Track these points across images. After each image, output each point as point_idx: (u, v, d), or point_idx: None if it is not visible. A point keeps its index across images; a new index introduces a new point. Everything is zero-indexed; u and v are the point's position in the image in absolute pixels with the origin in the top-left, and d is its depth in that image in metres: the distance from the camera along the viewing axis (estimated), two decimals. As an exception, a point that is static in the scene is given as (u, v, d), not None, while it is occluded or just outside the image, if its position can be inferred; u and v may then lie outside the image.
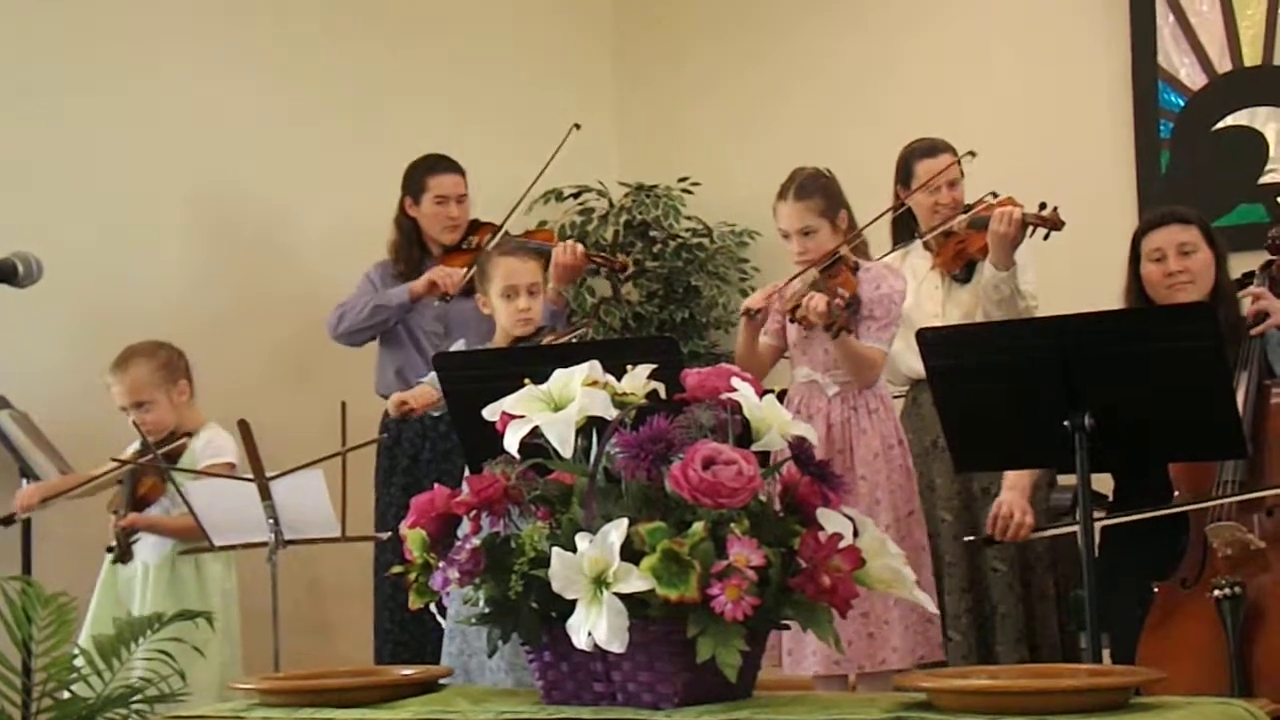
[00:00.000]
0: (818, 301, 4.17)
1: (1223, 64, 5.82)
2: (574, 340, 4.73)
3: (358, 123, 6.09)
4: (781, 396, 3.37)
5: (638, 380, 2.56)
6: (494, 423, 2.55)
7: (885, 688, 4.01)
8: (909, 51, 6.35)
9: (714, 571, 2.34)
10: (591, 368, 2.55)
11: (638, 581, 2.33)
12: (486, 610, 2.52)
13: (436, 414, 4.36)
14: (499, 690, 3.04)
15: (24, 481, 4.97)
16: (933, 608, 2.74)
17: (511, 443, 2.51)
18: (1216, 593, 3.73)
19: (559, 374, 2.55)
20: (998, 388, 3.52)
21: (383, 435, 4.97)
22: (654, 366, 2.59)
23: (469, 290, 4.85)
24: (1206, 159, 5.81)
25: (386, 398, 4.88)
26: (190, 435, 4.85)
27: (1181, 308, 3.96)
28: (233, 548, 4.54)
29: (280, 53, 5.96)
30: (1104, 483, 4.15)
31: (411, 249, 5.32)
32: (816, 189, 4.36)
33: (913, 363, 4.57)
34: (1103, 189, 5.88)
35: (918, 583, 2.58)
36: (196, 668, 4.31)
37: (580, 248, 5.03)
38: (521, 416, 2.51)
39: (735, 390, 2.52)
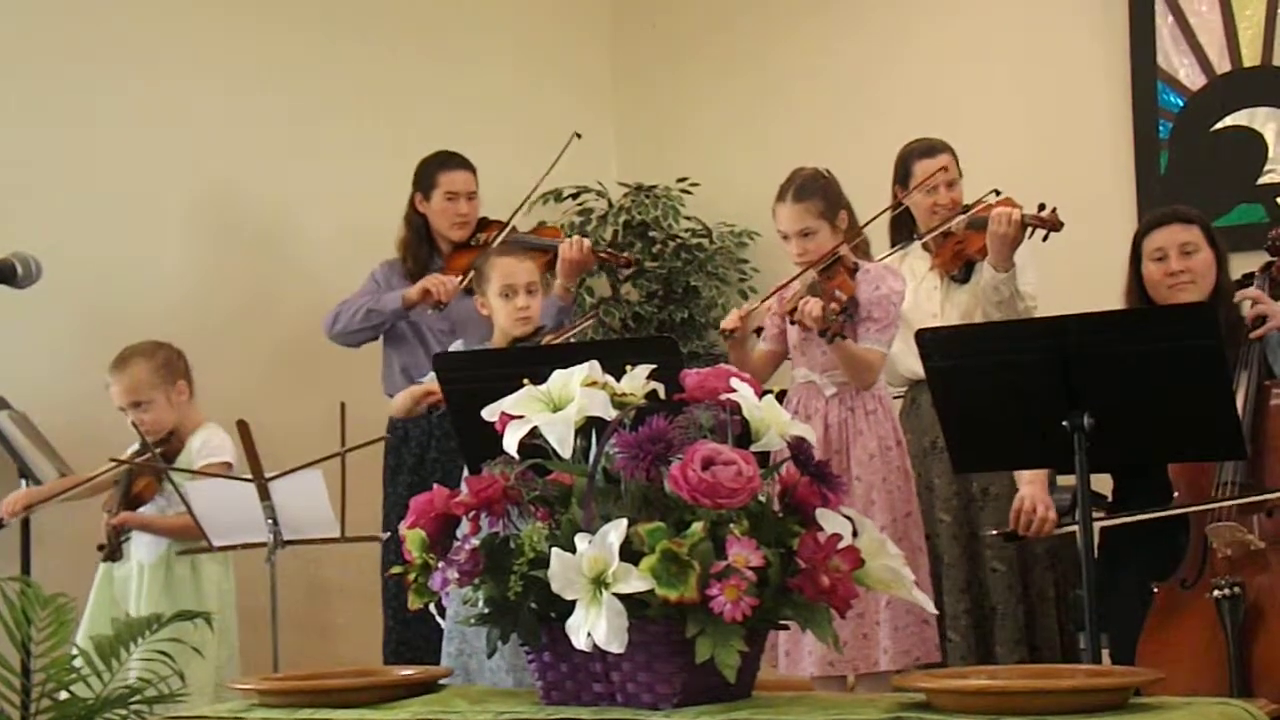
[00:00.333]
0: (813, 306, 4.16)
1: (1222, 64, 5.82)
2: (586, 328, 4.75)
3: (358, 124, 6.09)
4: (781, 397, 3.37)
5: (637, 381, 2.56)
6: (493, 423, 2.55)
7: (884, 688, 4.01)
8: (908, 52, 6.35)
9: (713, 572, 2.34)
10: (591, 368, 2.55)
11: (637, 582, 2.33)
12: (486, 611, 2.52)
13: (442, 413, 4.36)
14: (498, 691, 3.04)
15: (23, 482, 4.96)
16: (931, 608, 2.74)
17: (510, 443, 2.51)
18: (1216, 593, 3.73)
19: (558, 374, 2.55)
20: (997, 388, 3.52)
21: (384, 436, 4.96)
22: (653, 367, 2.59)
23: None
24: (1205, 159, 5.81)
25: (393, 397, 4.89)
26: (189, 436, 4.84)
27: (1181, 308, 3.96)
28: (232, 548, 4.54)
29: (280, 54, 5.95)
30: (1103, 483, 4.15)
31: (421, 246, 5.30)
32: (816, 190, 4.35)
33: (911, 363, 4.57)
34: (1102, 189, 5.88)
35: (915, 583, 2.58)
36: (193, 668, 4.31)
37: (587, 243, 5.03)
38: (520, 417, 2.51)
39: (734, 391, 2.52)
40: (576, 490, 2.49)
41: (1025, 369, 3.45)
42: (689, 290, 6.43)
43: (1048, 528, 4.09)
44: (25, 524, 4.93)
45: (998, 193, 4.75)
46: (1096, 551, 3.66)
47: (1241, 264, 4.33)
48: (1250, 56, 5.77)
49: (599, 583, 2.35)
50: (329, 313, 5.29)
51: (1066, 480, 4.47)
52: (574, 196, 6.49)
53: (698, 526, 2.37)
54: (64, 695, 3.94)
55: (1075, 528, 3.89)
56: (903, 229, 5.00)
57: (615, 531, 2.36)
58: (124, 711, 3.89)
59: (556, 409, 2.50)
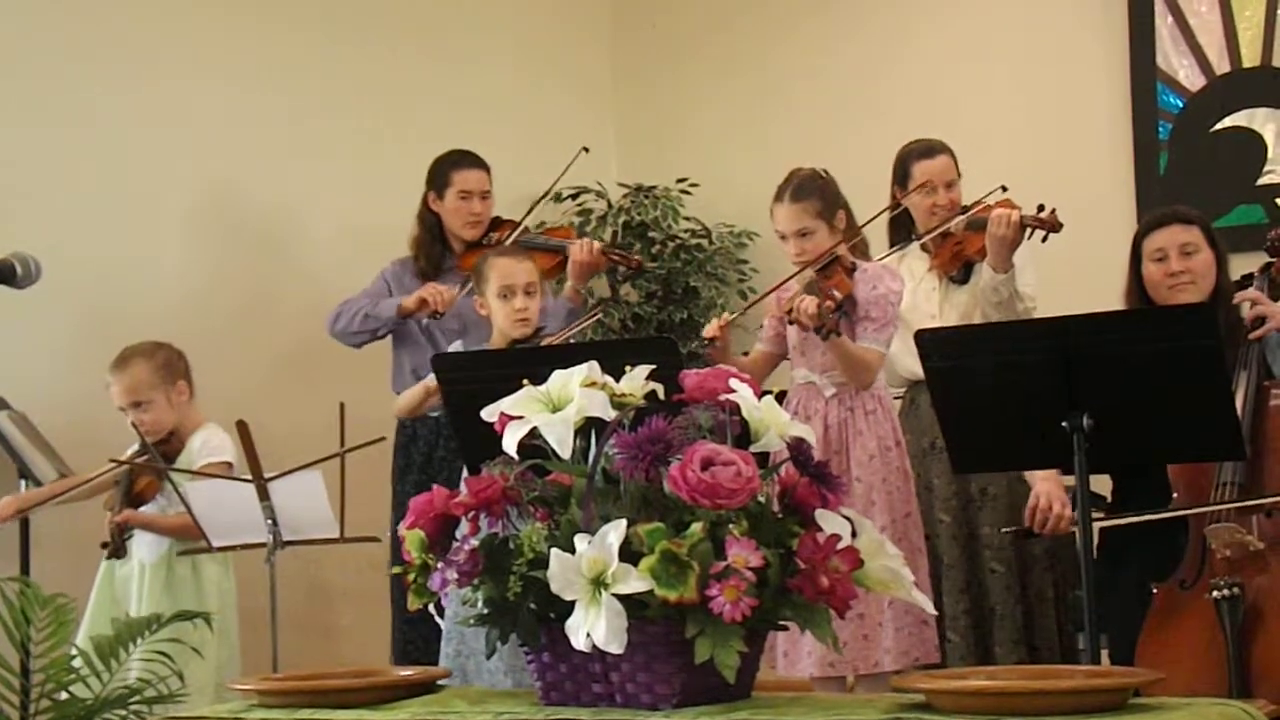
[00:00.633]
0: (808, 303, 4.16)
1: (1221, 65, 5.82)
2: (589, 324, 4.75)
3: (358, 124, 6.09)
4: (781, 398, 3.37)
5: (636, 381, 2.56)
6: (492, 424, 2.55)
7: (883, 689, 4.01)
8: (908, 53, 6.35)
9: (712, 572, 2.34)
10: (590, 369, 2.56)
11: (636, 582, 2.33)
12: (485, 611, 2.52)
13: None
14: (497, 691, 3.04)
15: (22, 483, 4.96)
16: (931, 609, 2.74)
17: (510, 444, 2.51)
18: (1215, 594, 3.73)
19: (557, 375, 2.55)
20: (996, 389, 3.52)
21: (382, 437, 4.95)
22: (652, 367, 2.59)
23: None
24: (1205, 160, 5.81)
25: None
26: (189, 436, 4.85)
27: (1181, 308, 3.96)
28: (231, 549, 4.54)
29: (279, 55, 5.95)
30: (1102, 483, 4.15)
31: (434, 244, 5.27)
32: (813, 190, 4.35)
33: (910, 364, 4.57)
34: (1101, 190, 5.88)
35: (915, 584, 2.58)
36: (194, 668, 4.31)
37: (598, 246, 5.02)
38: (520, 417, 2.51)
39: (734, 391, 2.53)
40: (576, 491, 2.49)
41: (1025, 369, 3.45)
42: (688, 291, 6.42)
43: (1064, 525, 4.03)
44: (25, 524, 4.93)
45: (1005, 189, 4.74)
46: (1096, 552, 3.66)
47: (1241, 265, 4.33)
48: (1250, 57, 5.77)
49: (598, 583, 2.35)
50: (332, 310, 5.28)
51: (1066, 481, 4.48)
52: (573, 197, 6.49)
53: (697, 527, 2.37)
54: (63, 695, 3.94)
55: (1105, 523, 3.90)
56: (901, 230, 5.00)
57: (614, 532, 2.36)
58: (123, 712, 3.88)
59: (556, 409, 2.50)
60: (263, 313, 5.83)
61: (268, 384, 5.68)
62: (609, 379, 2.56)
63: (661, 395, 2.56)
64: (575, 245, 4.99)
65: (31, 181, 5.33)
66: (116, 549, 4.69)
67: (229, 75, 5.80)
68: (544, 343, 4.50)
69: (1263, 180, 5.73)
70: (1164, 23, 5.88)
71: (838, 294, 4.21)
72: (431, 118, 6.23)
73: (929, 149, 4.92)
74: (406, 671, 2.85)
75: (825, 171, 4.44)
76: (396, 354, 5.27)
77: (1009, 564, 4.71)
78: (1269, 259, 4.22)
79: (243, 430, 4.39)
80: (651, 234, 6.47)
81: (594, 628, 2.34)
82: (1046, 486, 4.05)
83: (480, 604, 2.52)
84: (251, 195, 5.89)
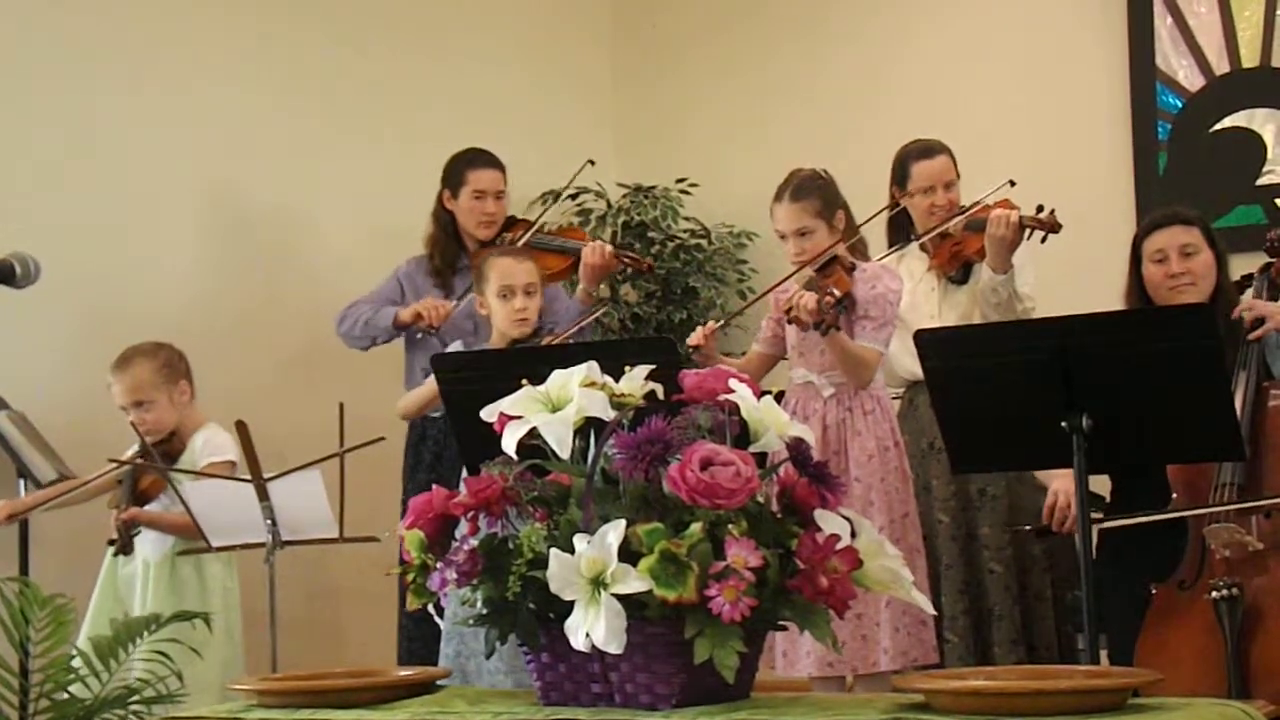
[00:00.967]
0: (807, 299, 4.17)
1: (1221, 65, 5.82)
2: (593, 320, 4.74)
3: (360, 127, 6.08)
4: (779, 398, 3.37)
5: (635, 381, 2.56)
6: (492, 424, 2.55)
7: (882, 689, 4.01)
8: (908, 53, 6.35)
9: (712, 572, 2.34)
10: (589, 369, 2.56)
11: (635, 582, 2.33)
12: (484, 611, 2.52)
13: None
14: (497, 691, 3.04)
15: (21, 482, 4.96)
16: (930, 609, 2.74)
17: (509, 444, 2.51)
18: (1214, 594, 3.73)
19: (557, 375, 2.55)
20: (995, 389, 3.52)
21: (381, 437, 4.95)
22: (652, 367, 2.59)
23: None
24: (1204, 160, 5.81)
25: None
26: (191, 435, 4.85)
27: (1180, 309, 3.96)
28: (231, 548, 4.54)
29: (284, 56, 5.95)
30: (1101, 484, 4.15)
31: (448, 243, 5.25)
32: (813, 190, 4.36)
33: (909, 364, 4.57)
34: (1100, 191, 5.88)
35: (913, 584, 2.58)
36: (197, 667, 4.31)
37: (609, 248, 4.99)
38: (519, 417, 2.51)
39: (733, 391, 2.53)
40: (575, 491, 2.49)
41: (1024, 370, 3.45)
42: (687, 291, 6.43)
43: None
44: (24, 524, 4.93)
45: (1012, 183, 4.73)
46: (1095, 552, 3.66)
47: (1240, 265, 4.33)
48: (1249, 58, 5.78)
49: (597, 583, 2.35)
50: (340, 311, 5.28)
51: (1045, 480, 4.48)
52: (573, 197, 6.49)
53: (696, 527, 2.37)
54: (63, 695, 3.94)
55: (1105, 525, 3.89)
56: (900, 230, 5.00)
57: (614, 532, 2.36)
58: (122, 712, 3.88)
59: (555, 409, 2.50)
60: (264, 313, 5.83)
61: (270, 385, 5.67)
62: (608, 379, 2.56)
63: (661, 395, 2.56)
64: (587, 248, 4.97)
65: (31, 182, 5.32)
66: (124, 546, 4.68)
67: (231, 76, 5.80)
68: (547, 342, 4.50)
69: (1262, 180, 5.73)
70: (1163, 23, 5.88)
71: (836, 292, 4.21)
72: (432, 118, 6.23)
73: (928, 149, 4.92)
74: (406, 672, 2.85)
75: (825, 171, 4.44)
76: (409, 355, 5.25)
77: (1008, 564, 4.71)
78: (1268, 259, 4.23)
79: (242, 430, 4.40)
80: (651, 234, 6.47)
81: (593, 628, 2.34)
82: (1064, 484, 4.01)
83: (479, 604, 2.52)
84: (253, 196, 5.89)
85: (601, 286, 6.22)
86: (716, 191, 6.54)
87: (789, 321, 4.29)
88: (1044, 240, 4.63)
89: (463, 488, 2.55)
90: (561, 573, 2.37)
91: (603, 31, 7.02)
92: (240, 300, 5.78)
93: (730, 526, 2.38)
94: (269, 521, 4.33)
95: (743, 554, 2.35)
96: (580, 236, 5.31)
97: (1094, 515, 3.88)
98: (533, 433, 2.50)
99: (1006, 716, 2.25)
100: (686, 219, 6.57)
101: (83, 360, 5.15)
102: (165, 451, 4.75)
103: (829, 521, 2.47)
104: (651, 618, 2.37)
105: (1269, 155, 5.73)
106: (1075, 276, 5.01)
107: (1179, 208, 4.32)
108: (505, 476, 2.51)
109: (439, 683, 2.81)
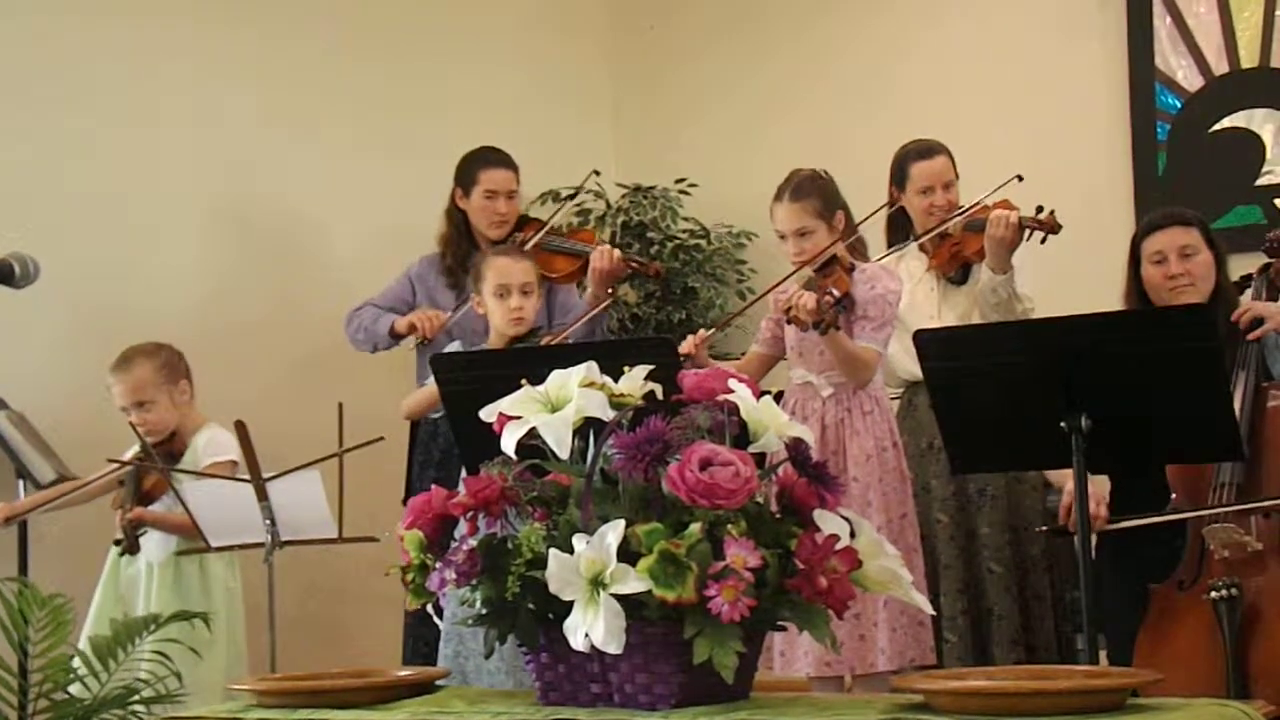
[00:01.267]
0: (807, 299, 4.17)
1: (1220, 66, 5.82)
2: (597, 314, 4.73)
3: (360, 130, 6.08)
4: (778, 399, 3.37)
5: (635, 381, 2.56)
6: (491, 424, 2.55)
7: (881, 689, 4.01)
8: (907, 54, 6.35)
9: (711, 573, 2.34)
10: (588, 369, 2.56)
11: (635, 583, 2.33)
12: (483, 611, 2.52)
13: None
14: (496, 691, 3.04)
15: (20, 482, 4.96)
16: (929, 610, 2.74)
17: (508, 444, 2.51)
18: (1213, 594, 3.73)
19: (556, 375, 2.55)
20: (995, 389, 3.52)
21: (380, 437, 4.94)
22: (651, 368, 2.59)
23: None
24: (1203, 161, 5.81)
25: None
26: (191, 435, 4.85)
27: (1180, 309, 3.97)
28: (230, 548, 4.54)
29: (285, 60, 5.94)
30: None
31: (461, 241, 5.23)
32: (813, 190, 4.36)
33: (908, 365, 4.57)
34: (1099, 191, 5.88)
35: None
36: (200, 668, 4.31)
37: (617, 253, 4.97)
38: (519, 417, 2.51)
39: (732, 392, 2.53)
40: (574, 491, 2.49)
41: (1023, 370, 3.46)
42: (687, 291, 6.43)
43: (1098, 523, 3.96)
44: (23, 524, 4.93)
45: (1021, 178, 4.73)
46: (1094, 552, 3.66)
47: (1239, 265, 4.33)
48: (1248, 58, 5.78)
49: (597, 583, 2.35)
50: (348, 311, 5.28)
51: (1057, 480, 4.48)
52: (571, 197, 6.48)
53: (695, 527, 2.37)
54: (62, 695, 3.94)
55: (1132, 522, 3.89)
56: (899, 230, 5.00)
57: (613, 532, 2.36)
58: (121, 712, 3.88)
59: (554, 410, 2.50)
60: (264, 312, 5.82)
61: (270, 385, 5.67)
62: (607, 379, 2.56)
63: (660, 395, 2.56)
64: (595, 252, 4.94)
65: (31, 182, 5.32)
66: (131, 546, 4.68)
67: (232, 79, 5.79)
68: (546, 342, 4.50)
69: (1261, 181, 5.73)
70: (1162, 23, 5.88)
71: (836, 292, 4.21)
72: (432, 119, 6.23)
73: (927, 149, 4.92)
74: (404, 672, 2.85)
75: (825, 172, 4.44)
76: (419, 355, 5.24)
77: (1007, 564, 4.71)
78: (1267, 260, 4.23)
79: (241, 430, 4.39)
80: (650, 234, 6.47)
81: (592, 628, 2.34)
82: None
83: (478, 604, 2.52)
84: (254, 197, 5.89)
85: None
86: (716, 192, 6.54)
87: (788, 321, 4.29)
88: (1044, 241, 4.63)
89: (462, 488, 2.55)
90: (560, 573, 2.37)
91: (602, 33, 7.02)
92: (241, 300, 5.78)
93: (729, 527, 2.38)
94: (268, 521, 4.33)
95: (742, 554, 2.35)
96: (590, 239, 5.28)
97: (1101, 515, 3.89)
98: (532, 433, 2.50)
99: (1005, 717, 2.25)
100: (686, 219, 6.57)
101: (82, 360, 5.15)
102: (166, 452, 4.75)
103: (828, 522, 2.47)
104: (651, 618, 2.37)
105: (1268, 155, 5.73)
106: (1074, 277, 5.00)
107: (1178, 208, 4.32)
108: (504, 476, 2.51)
109: (438, 683, 2.81)
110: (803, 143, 6.16)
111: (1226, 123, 5.81)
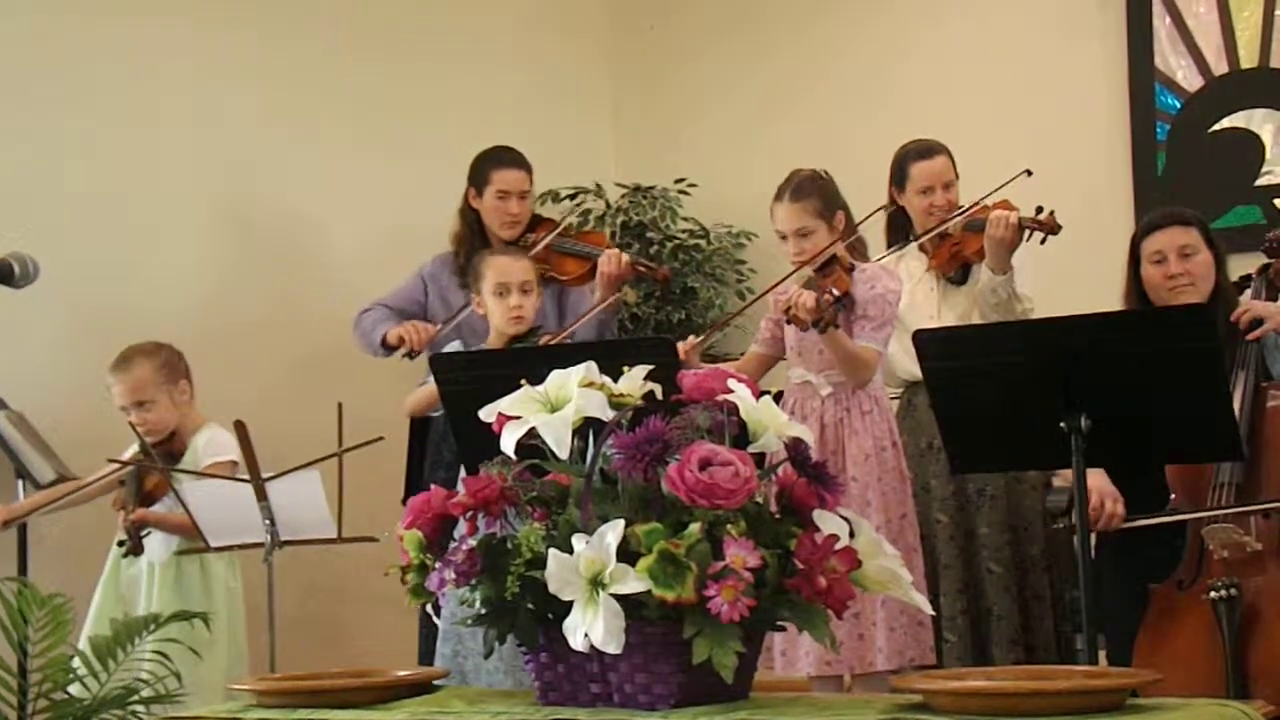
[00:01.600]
0: (806, 297, 4.17)
1: (1219, 66, 5.82)
2: (601, 308, 4.73)
3: (361, 131, 6.07)
4: (778, 399, 3.37)
5: (634, 381, 2.56)
6: (490, 423, 2.55)
7: (880, 688, 4.01)
8: (907, 54, 6.35)
9: (710, 572, 2.34)
10: (588, 369, 2.56)
11: (634, 582, 2.33)
12: (483, 611, 2.52)
13: None
14: (495, 691, 3.04)
15: (20, 482, 4.96)
16: (929, 610, 2.74)
17: (508, 444, 2.51)
18: (1213, 594, 3.73)
19: (556, 375, 2.55)
20: (994, 389, 3.52)
21: (380, 437, 4.94)
22: (650, 367, 2.59)
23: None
24: (1203, 161, 5.81)
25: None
26: (191, 435, 4.85)
27: (1179, 309, 3.97)
28: (229, 548, 4.54)
29: (286, 61, 5.94)
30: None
31: (474, 241, 5.20)
32: (813, 190, 4.36)
33: (908, 365, 4.57)
34: (1099, 191, 5.88)
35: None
36: (201, 668, 4.31)
37: (626, 258, 4.95)
38: (518, 417, 2.51)
39: (732, 391, 2.53)
40: (574, 491, 2.49)
41: (1023, 370, 3.46)
42: (686, 291, 6.43)
43: (1116, 522, 3.97)
44: (22, 524, 4.92)
45: (1029, 172, 4.73)
46: (1093, 552, 3.66)
47: (1238, 265, 4.33)
48: (1248, 58, 5.78)
49: (596, 583, 2.35)
50: (360, 310, 5.27)
51: (1061, 481, 4.48)
52: (571, 197, 6.49)
53: (695, 527, 2.37)
54: (62, 695, 3.94)
55: (1144, 521, 3.88)
56: (899, 230, 4.99)
57: (612, 532, 2.36)
58: (121, 712, 3.88)
59: (554, 410, 2.50)
60: (264, 312, 5.82)
61: (270, 386, 5.67)
62: (607, 379, 2.56)
63: (659, 395, 2.56)
64: (603, 256, 4.92)
65: (31, 182, 5.32)
66: (135, 547, 4.68)
67: (233, 80, 5.79)
68: (545, 341, 4.50)
69: (1260, 181, 5.73)
70: (1162, 24, 5.88)
71: (836, 291, 4.22)
72: (433, 120, 6.23)
73: (927, 149, 4.92)
74: (404, 671, 2.85)
75: (825, 172, 4.45)
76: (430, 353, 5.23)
77: (1006, 564, 4.71)
78: (1267, 260, 4.23)
79: (240, 430, 4.39)
80: (650, 234, 6.47)
81: (592, 628, 2.34)
82: (1096, 483, 3.97)
83: (478, 604, 2.52)
84: (254, 197, 5.89)
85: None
86: (715, 192, 6.54)
87: (788, 321, 4.29)
88: (1044, 241, 4.63)
89: (461, 488, 2.55)
90: (560, 573, 2.37)
91: (602, 33, 7.01)
92: (240, 300, 5.78)
93: (729, 526, 2.38)
94: (267, 521, 4.33)
95: (741, 554, 2.35)
96: (601, 241, 5.27)
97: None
98: (531, 432, 2.50)
99: (1005, 717, 2.25)
100: (685, 219, 6.57)
101: (82, 360, 5.14)
102: (165, 452, 4.74)
103: (828, 522, 2.47)
104: (650, 618, 2.37)
105: (1267, 155, 5.73)
106: (1074, 277, 5.00)
107: (1177, 208, 4.33)
108: (504, 476, 2.51)
109: (437, 683, 2.81)
110: (803, 143, 6.16)
111: (1226, 123, 5.81)
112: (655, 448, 2.43)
